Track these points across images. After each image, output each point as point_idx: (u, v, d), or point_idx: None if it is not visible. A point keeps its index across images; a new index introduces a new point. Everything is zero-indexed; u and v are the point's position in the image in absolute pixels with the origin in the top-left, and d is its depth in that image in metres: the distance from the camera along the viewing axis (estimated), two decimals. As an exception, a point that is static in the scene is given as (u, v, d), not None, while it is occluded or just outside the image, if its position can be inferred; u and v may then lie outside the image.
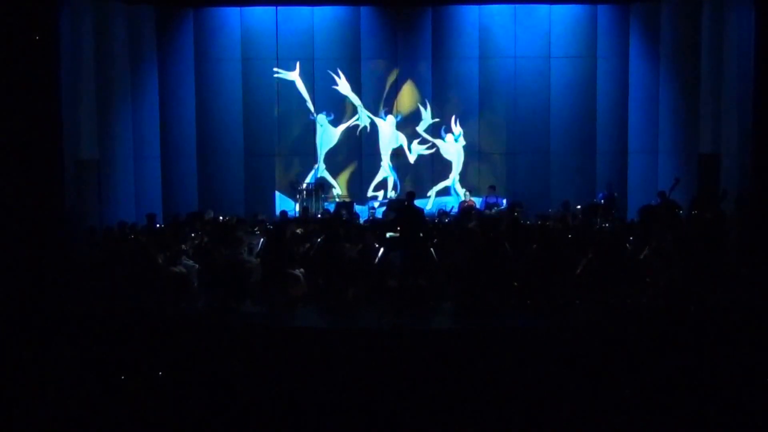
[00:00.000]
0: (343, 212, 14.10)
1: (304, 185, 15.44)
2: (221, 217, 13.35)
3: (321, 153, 15.91)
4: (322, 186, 15.64)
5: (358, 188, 16.06)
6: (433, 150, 15.91)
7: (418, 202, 15.07)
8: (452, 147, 15.91)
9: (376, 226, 12.68)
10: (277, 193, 15.95)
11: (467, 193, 15.32)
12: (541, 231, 11.36)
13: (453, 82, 15.89)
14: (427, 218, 12.58)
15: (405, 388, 7.74)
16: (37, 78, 12.09)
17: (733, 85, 13.46)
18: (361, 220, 13.95)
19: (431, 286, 10.96)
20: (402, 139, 15.95)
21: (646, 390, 7.57)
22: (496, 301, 10.49)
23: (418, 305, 10.55)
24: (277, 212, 14.20)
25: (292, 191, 15.63)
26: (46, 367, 8.20)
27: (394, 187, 15.91)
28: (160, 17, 15.45)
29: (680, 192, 13.08)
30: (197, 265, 11.16)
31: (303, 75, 15.73)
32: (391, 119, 15.86)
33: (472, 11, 15.70)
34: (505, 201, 15.20)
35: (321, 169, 15.93)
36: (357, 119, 15.85)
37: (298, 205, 15.29)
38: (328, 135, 15.88)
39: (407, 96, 15.92)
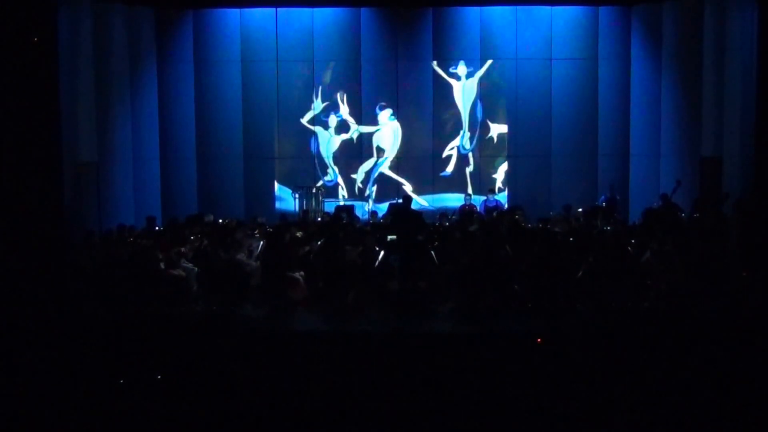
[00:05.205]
0: (343, 215, 14.05)
1: (318, 187, 15.37)
2: (221, 220, 13.30)
3: (329, 156, 15.89)
4: (322, 188, 15.60)
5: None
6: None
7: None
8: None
9: (376, 228, 12.63)
10: (276, 194, 15.91)
11: (468, 196, 15.26)
12: (542, 234, 11.32)
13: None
14: (426, 220, 12.52)
15: (406, 392, 7.70)
16: (35, 80, 12.06)
17: (735, 87, 13.43)
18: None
19: (432, 290, 10.91)
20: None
21: (647, 393, 7.53)
22: (497, 304, 10.44)
23: (419, 309, 10.50)
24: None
25: (294, 193, 15.58)
26: (45, 371, 8.16)
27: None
28: (159, 19, 15.42)
29: (682, 195, 13.05)
30: (197, 268, 11.12)
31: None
32: (386, 114, 15.82)
33: (473, 13, 15.66)
34: (505, 203, 15.15)
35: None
36: (353, 133, 15.87)
37: (298, 208, 15.25)
38: (331, 140, 15.89)
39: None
